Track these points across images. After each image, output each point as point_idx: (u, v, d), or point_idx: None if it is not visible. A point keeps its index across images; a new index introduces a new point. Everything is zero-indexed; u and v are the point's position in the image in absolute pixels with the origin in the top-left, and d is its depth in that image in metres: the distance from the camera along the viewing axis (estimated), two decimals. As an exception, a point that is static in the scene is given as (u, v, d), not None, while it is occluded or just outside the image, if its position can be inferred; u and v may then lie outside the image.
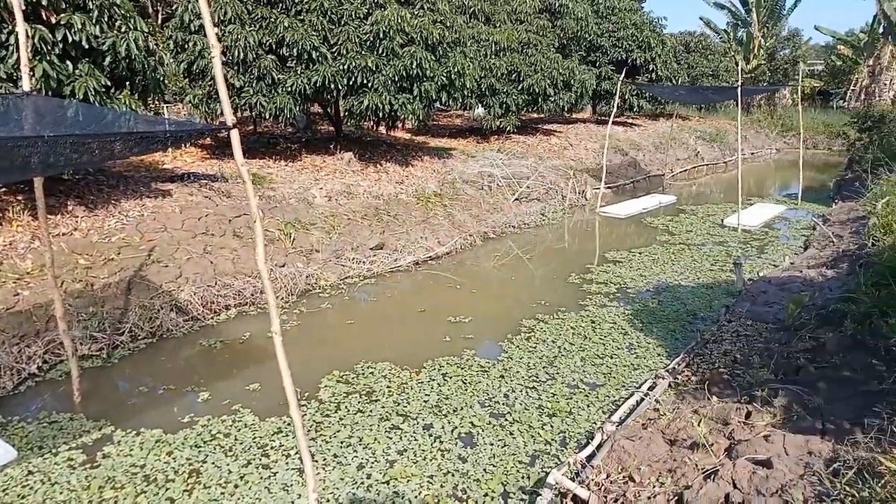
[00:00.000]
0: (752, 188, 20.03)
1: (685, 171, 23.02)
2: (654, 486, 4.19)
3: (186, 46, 11.26)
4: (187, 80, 11.88)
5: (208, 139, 13.47)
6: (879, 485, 3.27)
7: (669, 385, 6.12)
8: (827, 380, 5.30)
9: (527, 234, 13.34)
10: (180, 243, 8.69)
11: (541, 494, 4.50)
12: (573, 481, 4.40)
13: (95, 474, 4.91)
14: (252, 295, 8.47)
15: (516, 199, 14.74)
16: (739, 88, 14.94)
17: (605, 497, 4.23)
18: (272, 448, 5.30)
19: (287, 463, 5.09)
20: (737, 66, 21.44)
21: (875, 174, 14.99)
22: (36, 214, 7.39)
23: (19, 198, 8.37)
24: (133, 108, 8.36)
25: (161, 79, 9.14)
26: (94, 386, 6.33)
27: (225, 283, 8.42)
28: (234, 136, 3.35)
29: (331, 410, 5.94)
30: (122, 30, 8.21)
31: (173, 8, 11.73)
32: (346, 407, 6.01)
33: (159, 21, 16.23)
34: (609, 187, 17.51)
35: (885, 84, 33.40)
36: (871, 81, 34.54)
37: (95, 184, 9.54)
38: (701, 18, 53.62)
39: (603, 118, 23.90)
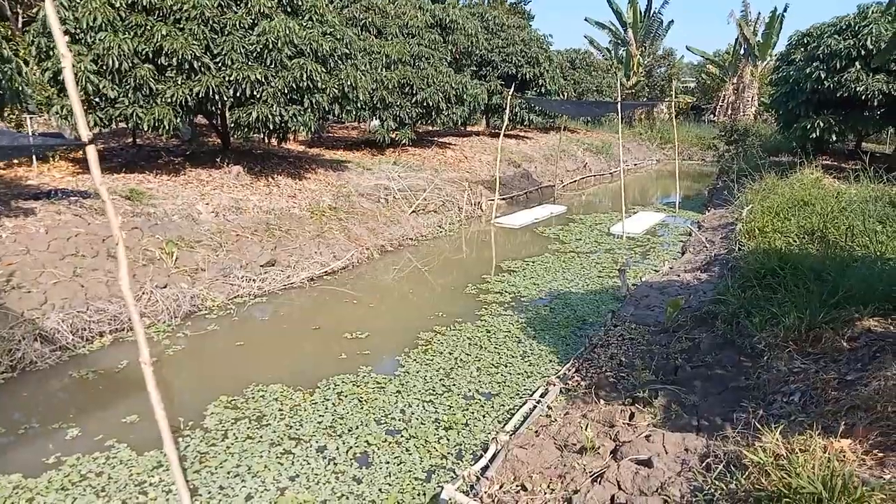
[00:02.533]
0: (636, 197, 21.23)
1: (574, 181, 24.06)
2: (545, 494, 4.26)
3: (52, 53, 10.40)
4: (54, 89, 10.96)
5: (80, 152, 12.49)
6: (744, 476, 3.49)
7: (561, 391, 6.28)
8: (702, 378, 5.64)
9: (425, 246, 13.38)
10: (46, 266, 7.96)
11: (436, 511, 4.47)
12: (467, 495, 4.39)
13: (-62, 532, 4.36)
14: (130, 320, 7.88)
15: (413, 212, 14.76)
16: (620, 103, 15.82)
17: (499, 508, 4.25)
18: (151, 485, 4.92)
19: (167, 500, 4.74)
20: (618, 80, 22.73)
21: (741, 184, 16.32)
22: None
23: None
24: (-15, 119, 7.61)
25: (21, 88, 8.38)
26: (-60, 430, 5.64)
27: (98, 307, 7.79)
28: (91, 152, 3.09)
29: (217, 439, 5.62)
30: (-30, 33, 7.47)
31: (35, 11, 10.80)
32: (233, 434, 5.70)
33: (20, 25, 14.90)
34: (503, 198, 17.95)
35: (748, 101, 36.60)
36: (735, 98, 37.75)
37: (-57, 203, 8.58)
38: (585, 37, 56.65)
39: (496, 131, 24.50)
